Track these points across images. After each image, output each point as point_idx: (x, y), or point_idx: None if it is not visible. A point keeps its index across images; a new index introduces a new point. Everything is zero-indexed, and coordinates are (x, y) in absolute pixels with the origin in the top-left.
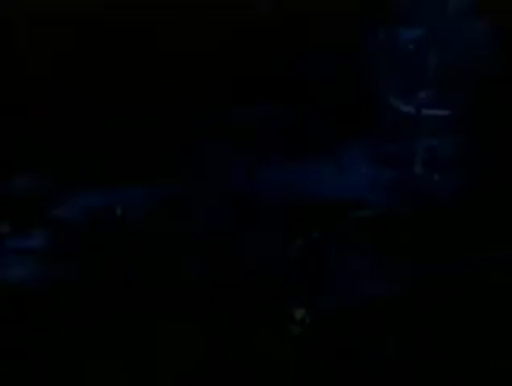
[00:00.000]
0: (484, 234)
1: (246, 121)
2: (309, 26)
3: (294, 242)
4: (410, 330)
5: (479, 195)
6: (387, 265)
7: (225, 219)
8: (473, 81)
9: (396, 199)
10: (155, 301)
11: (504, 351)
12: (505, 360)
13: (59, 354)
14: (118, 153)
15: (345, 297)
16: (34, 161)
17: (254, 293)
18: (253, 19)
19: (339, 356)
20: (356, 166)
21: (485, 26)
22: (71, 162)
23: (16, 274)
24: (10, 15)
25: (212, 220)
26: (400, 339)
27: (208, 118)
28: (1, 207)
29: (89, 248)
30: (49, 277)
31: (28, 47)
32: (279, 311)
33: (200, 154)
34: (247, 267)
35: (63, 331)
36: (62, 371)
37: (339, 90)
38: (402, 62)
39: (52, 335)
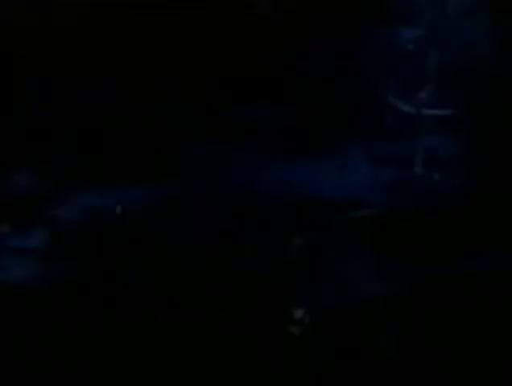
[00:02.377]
0: (484, 234)
1: (246, 121)
2: (309, 26)
3: (294, 242)
4: (410, 330)
5: (479, 195)
6: (387, 265)
7: (225, 219)
8: (473, 81)
9: (396, 199)
10: (155, 301)
11: (504, 351)
12: (506, 360)
13: (59, 354)
14: (118, 153)
15: (345, 297)
16: (34, 161)
17: (254, 292)
18: (254, 19)
19: (339, 356)
20: (356, 166)
21: (485, 26)
22: (71, 162)
23: (16, 274)
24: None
25: (211, 220)
26: (400, 339)
27: (208, 118)
28: (1, 206)
29: (89, 248)
30: (49, 277)
31: (29, 45)
32: (279, 311)
33: (200, 154)
34: (247, 266)
35: (62, 331)
36: (61, 372)
37: (339, 90)
38: (402, 62)
39: (52, 335)
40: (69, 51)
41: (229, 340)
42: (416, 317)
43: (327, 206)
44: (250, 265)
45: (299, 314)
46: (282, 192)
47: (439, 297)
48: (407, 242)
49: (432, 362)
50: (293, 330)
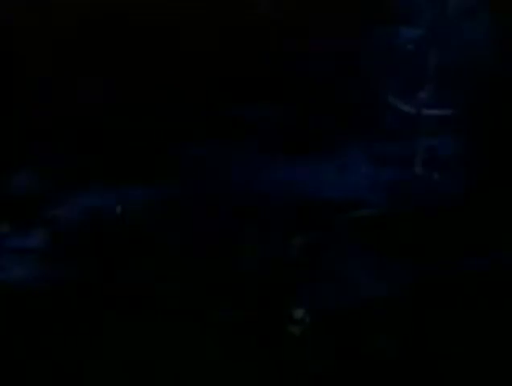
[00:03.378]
0: (484, 234)
1: (246, 121)
2: (309, 26)
3: (294, 242)
4: (410, 330)
5: (479, 195)
6: (387, 265)
7: (225, 219)
8: (473, 81)
9: (396, 199)
10: (155, 301)
11: (504, 351)
12: (506, 360)
13: (59, 354)
14: (118, 153)
15: (345, 297)
16: (34, 161)
17: (254, 292)
18: (254, 19)
19: (339, 356)
20: (356, 166)
21: (485, 26)
22: (71, 162)
23: (16, 274)
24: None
25: (211, 220)
26: (400, 339)
27: (208, 118)
28: (1, 206)
29: (89, 248)
30: (49, 277)
31: (29, 45)
32: (279, 311)
33: (200, 154)
34: (247, 266)
35: (62, 332)
36: (61, 372)
37: (339, 90)
38: (402, 62)
39: (52, 335)
40: (69, 51)
41: (229, 340)
42: (416, 317)
43: (327, 206)
44: (250, 265)
45: (299, 314)
46: (282, 192)
47: (439, 297)
48: (407, 242)
49: (432, 362)
50: (293, 330)
